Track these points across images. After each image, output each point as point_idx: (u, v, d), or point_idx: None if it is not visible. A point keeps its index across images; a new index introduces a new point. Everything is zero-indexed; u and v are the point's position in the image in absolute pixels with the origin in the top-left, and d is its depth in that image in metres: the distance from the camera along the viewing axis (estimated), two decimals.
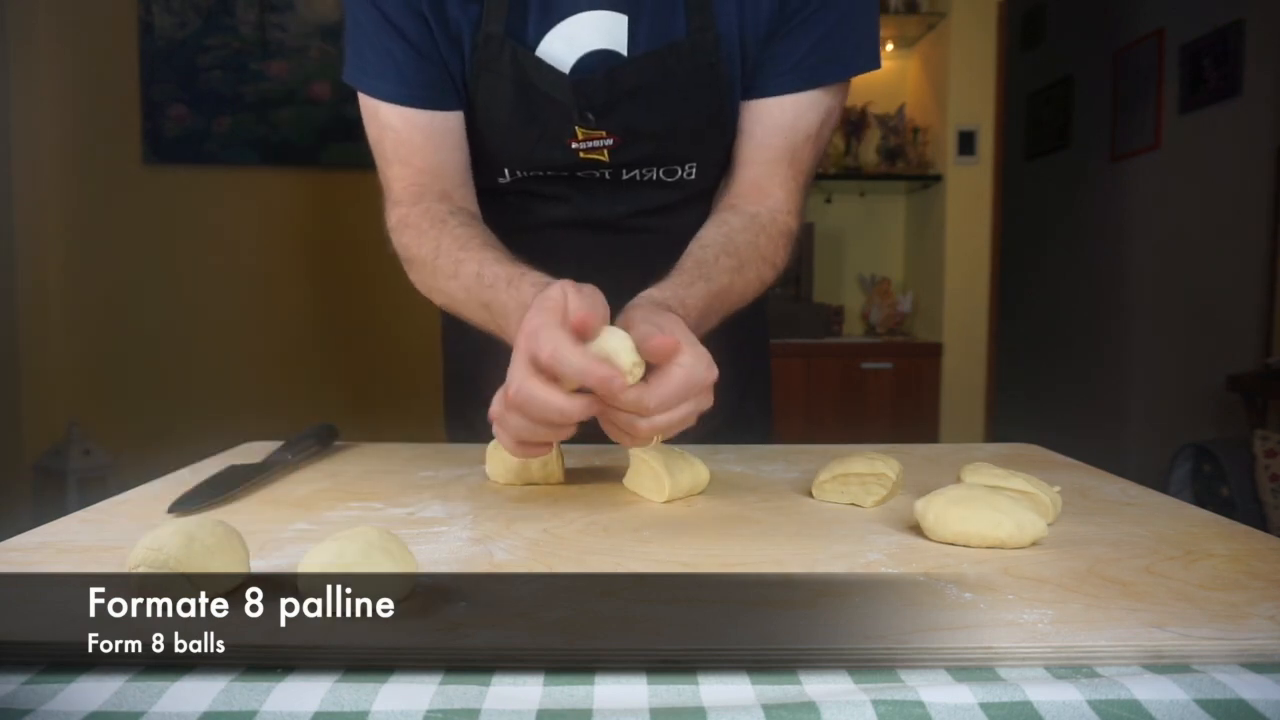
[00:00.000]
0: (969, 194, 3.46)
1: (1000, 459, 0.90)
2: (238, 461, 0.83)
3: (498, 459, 0.79)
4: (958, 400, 3.49)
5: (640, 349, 0.60)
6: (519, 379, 0.59)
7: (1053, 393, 4.54)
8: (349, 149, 3.36)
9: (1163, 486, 2.81)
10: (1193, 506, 0.71)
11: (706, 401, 0.63)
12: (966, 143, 3.44)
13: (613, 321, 0.63)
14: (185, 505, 0.69)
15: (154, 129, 3.32)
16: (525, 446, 0.63)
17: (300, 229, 3.41)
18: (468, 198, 0.92)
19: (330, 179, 3.39)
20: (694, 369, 0.61)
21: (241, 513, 0.69)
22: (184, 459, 0.87)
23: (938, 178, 3.51)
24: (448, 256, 0.81)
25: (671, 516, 0.68)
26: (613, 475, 0.82)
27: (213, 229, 3.39)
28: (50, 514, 0.71)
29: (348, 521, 0.66)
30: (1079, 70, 4.30)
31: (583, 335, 0.59)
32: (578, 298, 0.61)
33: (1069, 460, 0.90)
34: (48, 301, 3.31)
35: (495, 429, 0.64)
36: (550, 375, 0.58)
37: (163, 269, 3.38)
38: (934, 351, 3.48)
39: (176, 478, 0.80)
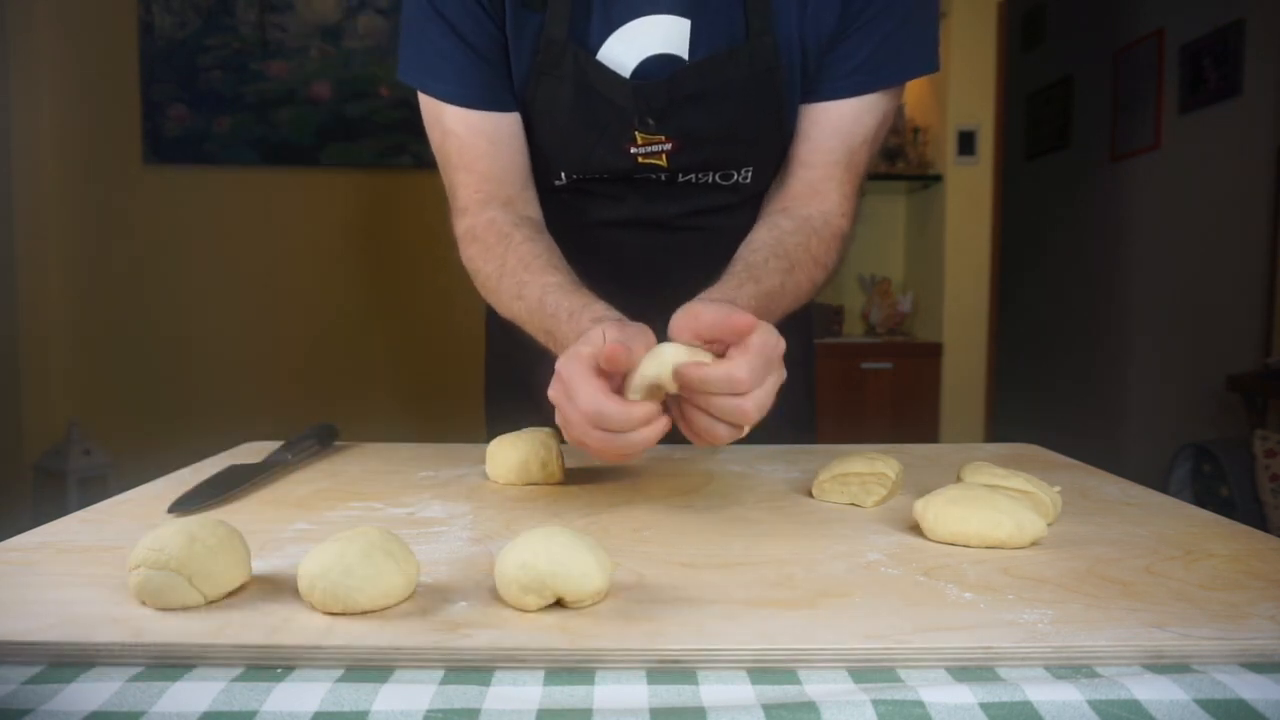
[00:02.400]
0: (969, 194, 3.46)
1: (1000, 459, 0.90)
2: (238, 461, 0.83)
3: (498, 459, 0.79)
4: (958, 400, 3.49)
5: (720, 328, 0.60)
6: (557, 398, 0.63)
7: (1053, 393, 4.54)
8: (349, 149, 3.36)
9: (1163, 486, 2.81)
10: (1193, 506, 0.71)
11: (783, 373, 0.63)
12: (966, 143, 3.44)
13: (669, 326, 0.64)
14: (185, 505, 0.69)
15: (154, 129, 3.32)
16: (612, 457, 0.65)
17: (300, 229, 3.40)
18: (530, 202, 0.93)
19: (330, 179, 3.39)
20: (766, 337, 0.61)
21: (241, 513, 0.69)
22: (184, 459, 0.87)
23: (938, 178, 3.51)
24: (512, 277, 0.82)
25: (671, 516, 0.68)
26: (613, 475, 0.82)
27: (213, 229, 3.39)
28: (50, 514, 0.71)
29: (348, 521, 0.66)
30: (1079, 70, 4.30)
31: (613, 369, 0.61)
32: (616, 333, 0.63)
33: (1069, 460, 0.90)
34: (48, 301, 3.31)
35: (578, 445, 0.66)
36: (598, 427, 0.61)
37: (163, 269, 3.38)
38: (934, 351, 3.48)
39: (177, 478, 0.80)
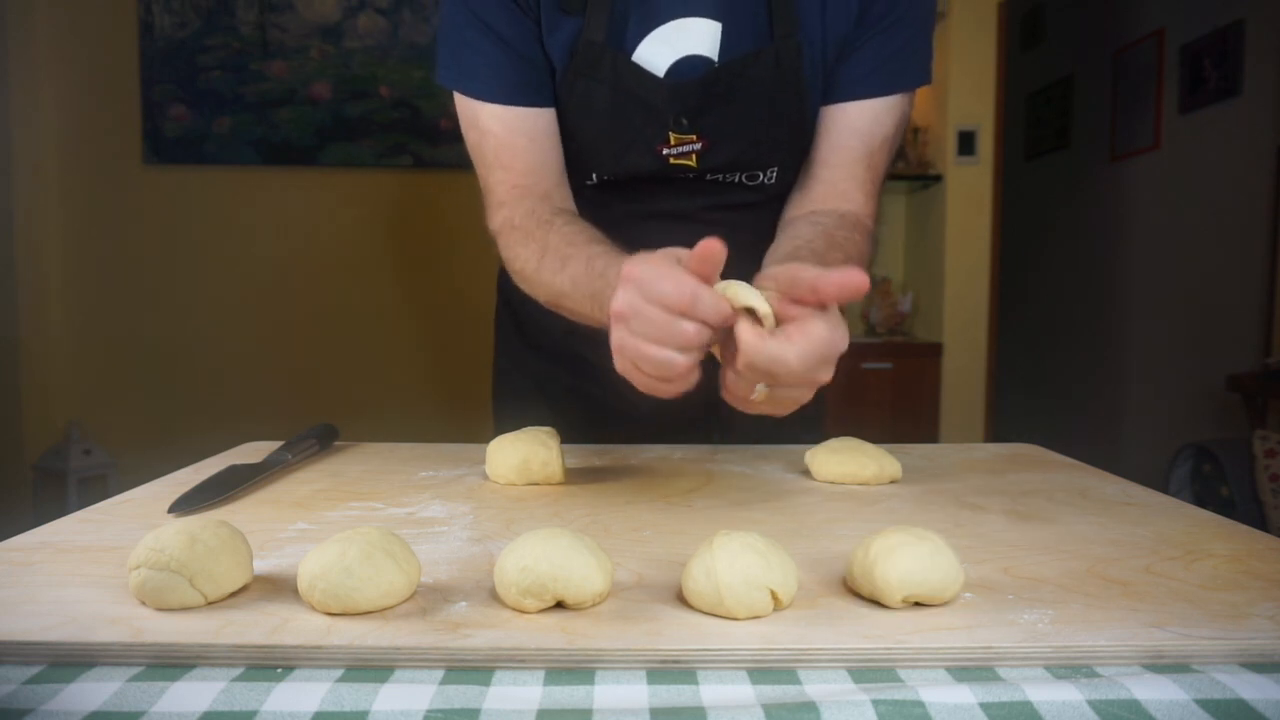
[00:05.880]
0: (969, 194, 3.46)
1: (1000, 459, 0.90)
2: (238, 461, 0.83)
3: (498, 459, 0.79)
4: (958, 400, 3.49)
5: (813, 286, 0.56)
6: (627, 300, 0.58)
7: (1053, 393, 4.54)
8: (349, 149, 3.36)
9: (1163, 486, 2.81)
10: (1193, 506, 0.71)
11: (830, 374, 0.60)
12: (966, 143, 3.44)
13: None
14: (185, 505, 0.69)
15: (154, 129, 3.32)
16: (651, 379, 0.61)
17: (300, 229, 3.40)
18: (566, 196, 0.93)
19: (330, 179, 3.38)
20: (833, 333, 0.58)
21: (241, 513, 0.69)
22: (184, 459, 0.87)
23: (938, 178, 3.51)
24: (555, 254, 0.82)
25: (671, 516, 0.68)
26: (613, 475, 0.82)
27: (213, 229, 3.38)
28: (50, 514, 0.71)
29: (348, 521, 0.66)
30: (1079, 70, 4.30)
31: (704, 267, 0.58)
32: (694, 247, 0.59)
33: (1069, 460, 0.90)
34: (48, 302, 3.31)
35: (629, 374, 0.62)
36: (678, 310, 0.57)
37: (163, 269, 3.38)
38: (934, 351, 3.48)
39: (177, 478, 0.80)
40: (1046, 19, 4.59)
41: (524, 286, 0.89)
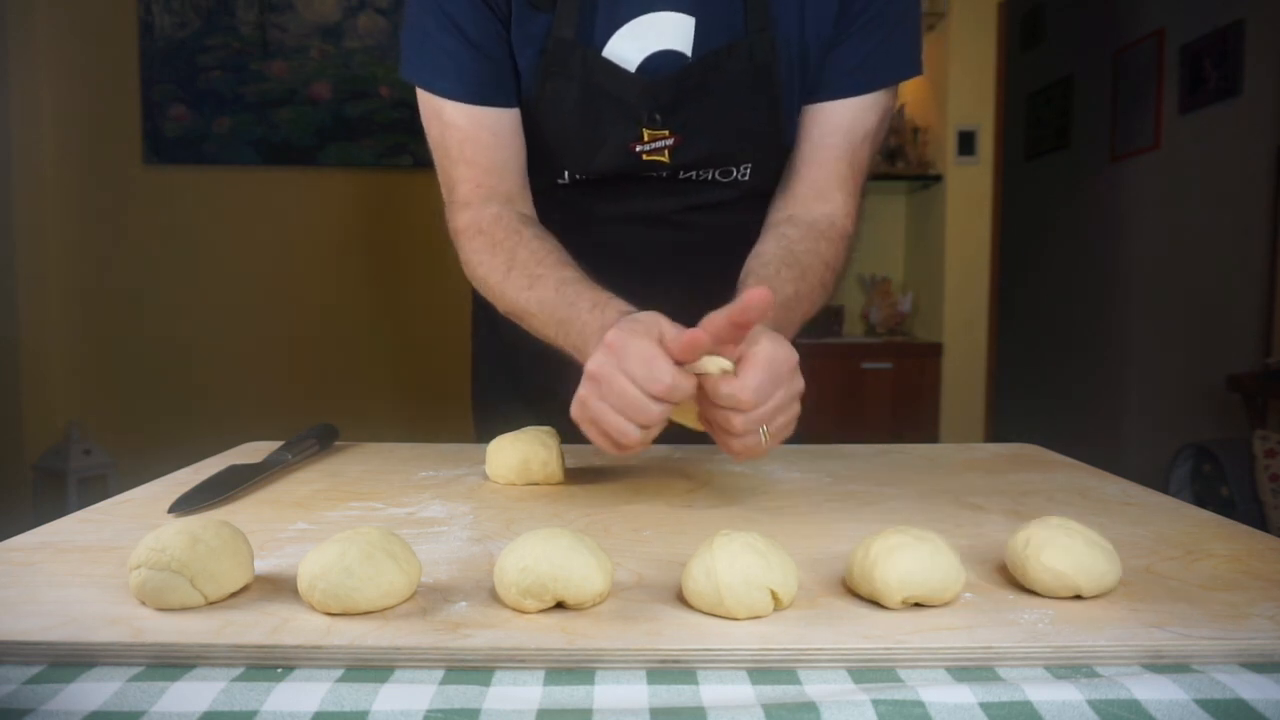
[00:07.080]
0: (969, 194, 3.46)
1: (1000, 459, 0.90)
2: (238, 461, 0.83)
3: (498, 459, 0.79)
4: (958, 400, 3.49)
5: (730, 320, 0.61)
6: (603, 366, 0.62)
7: (1053, 392, 4.54)
8: (349, 149, 3.36)
9: (1163, 486, 2.81)
10: (1193, 506, 0.71)
11: (798, 384, 0.65)
12: (966, 143, 3.44)
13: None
14: (185, 505, 0.69)
15: (154, 129, 3.32)
16: (604, 439, 0.65)
17: (300, 229, 3.40)
18: (528, 201, 0.93)
19: (330, 179, 3.38)
20: (774, 350, 0.63)
21: (241, 513, 0.69)
22: (184, 459, 0.87)
23: (938, 178, 3.51)
24: (523, 270, 0.82)
25: (671, 516, 0.68)
26: (613, 475, 0.82)
27: (213, 229, 3.38)
28: (50, 514, 0.71)
29: (348, 521, 0.66)
30: (1079, 70, 4.29)
31: (688, 357, 0.61)
32: (673, 325, 0.63)
33: (1069, 460, 0.90)
34: (48, 301, 3.31)
35: (584, 426, 0.66)
36: (646, 388, 0.61)
37: (162, 269, 3.38)
38: (934, 351, 3.48)
39: (177, 478, 0.80)
40: (1046, 19, 4.59)
41: (483, 292, 0.90)
